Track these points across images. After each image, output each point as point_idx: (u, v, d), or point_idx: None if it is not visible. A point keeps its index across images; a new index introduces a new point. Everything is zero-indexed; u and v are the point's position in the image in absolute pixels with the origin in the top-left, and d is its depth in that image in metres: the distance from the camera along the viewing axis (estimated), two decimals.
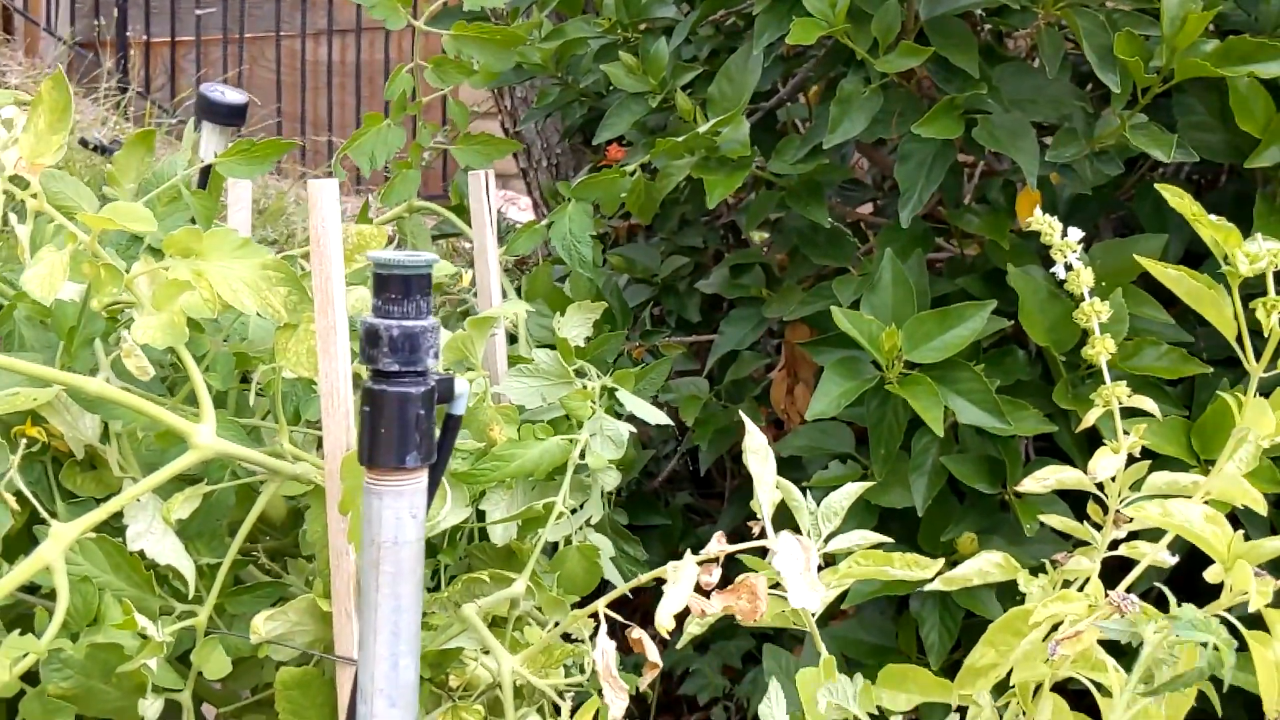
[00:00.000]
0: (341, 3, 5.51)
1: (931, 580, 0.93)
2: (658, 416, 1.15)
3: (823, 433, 1.48)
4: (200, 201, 1.15)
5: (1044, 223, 0.94)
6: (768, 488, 0.84)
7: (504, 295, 1.32)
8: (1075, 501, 1.37)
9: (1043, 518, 0.94)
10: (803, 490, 1.54)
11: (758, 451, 0.85)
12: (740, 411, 1.68)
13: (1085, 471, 0.91)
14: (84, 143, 3.46)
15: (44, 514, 0.85)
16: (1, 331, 1.05)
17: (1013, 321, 1.33)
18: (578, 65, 1.77)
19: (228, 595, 0.94)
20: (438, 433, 0.62)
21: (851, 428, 1.51)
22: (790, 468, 1.66)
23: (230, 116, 2.06)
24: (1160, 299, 1.36)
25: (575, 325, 1.22)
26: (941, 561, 0.92)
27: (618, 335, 1.38)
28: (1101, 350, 0.91)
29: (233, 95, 2.04)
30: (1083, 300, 0.93)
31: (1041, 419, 1.32)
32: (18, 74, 3.95)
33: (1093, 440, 1.40)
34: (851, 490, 0.89)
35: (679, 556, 2.19)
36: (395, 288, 0.57)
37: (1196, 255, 1.49)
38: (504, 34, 1.32)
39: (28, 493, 0.79)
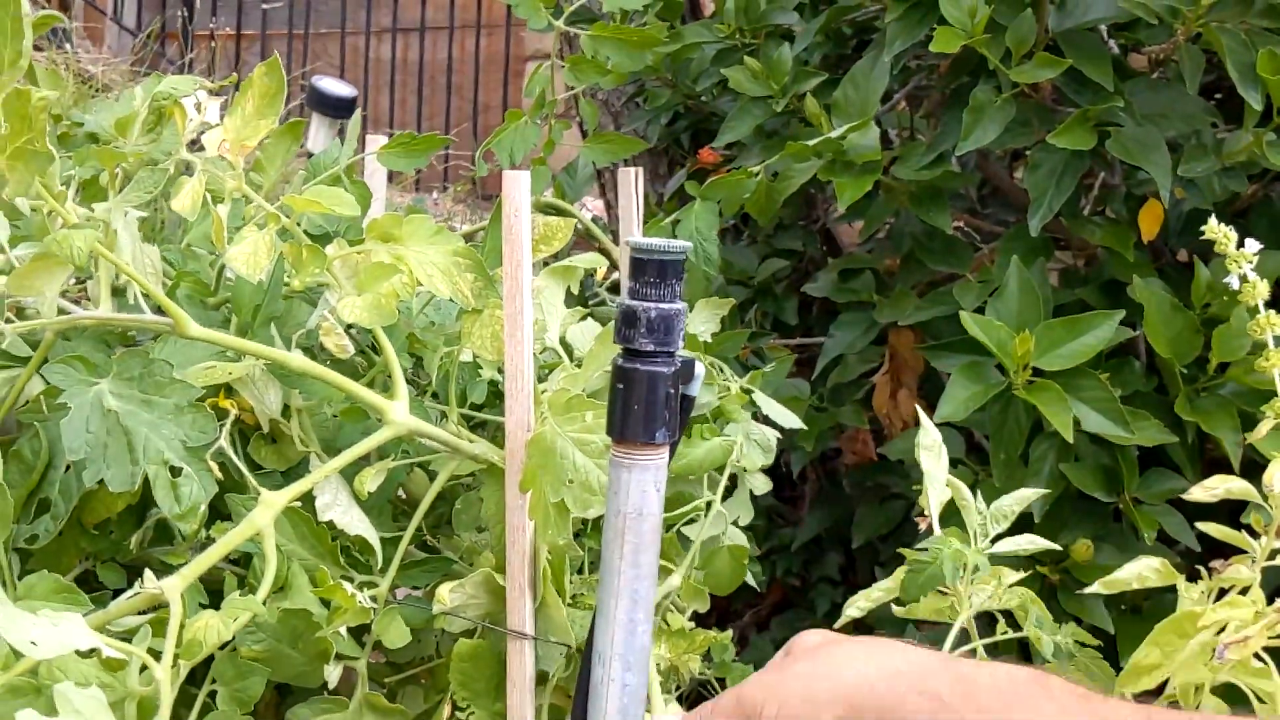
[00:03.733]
0: (406, 1, 5.56)
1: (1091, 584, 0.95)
2: (792, 420, 1.17)
3: None
4: (357, 188, 1.18)
5: (1219, 233, 0.95)
6: (938, 486, 0.86)
7: None
8: (1191, 514, 1.38)
9: (1202, 526, 0.95)
10: (902, 505, 1.57)
11: (931, 448, 0.87)
12: (841, 415, 1.71)
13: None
14: None
15: (238, 484, 0.88)
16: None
17: (1137, 332, 1.35)
18: (687, 69, 1.79)
19: (402, 568, 0.97)
20: None
21: (960, 432, 1.53)
22: (896, 472, 1.69)
23: (339, 109, 2.10)
24: None
25: (703, 321, 1.25)
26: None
27: (741, 334, 1.41)
28: (1276, 363, 0.92)
29: (342, 88, 2.08)
30: (1256, 312, 0.94)
31: (1162, 429, 1.33)
32: (99, 63, 4.01)
33: (1201, 448, 1.42)
34: (1024, 495, 0.91)
35: (761, 558, 2.20)
36: (653, 271, 0.60)
37: None
38: (640, 35, 1.35)
39: (235, 460, 0.82)
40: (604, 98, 2.51)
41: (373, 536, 0.88)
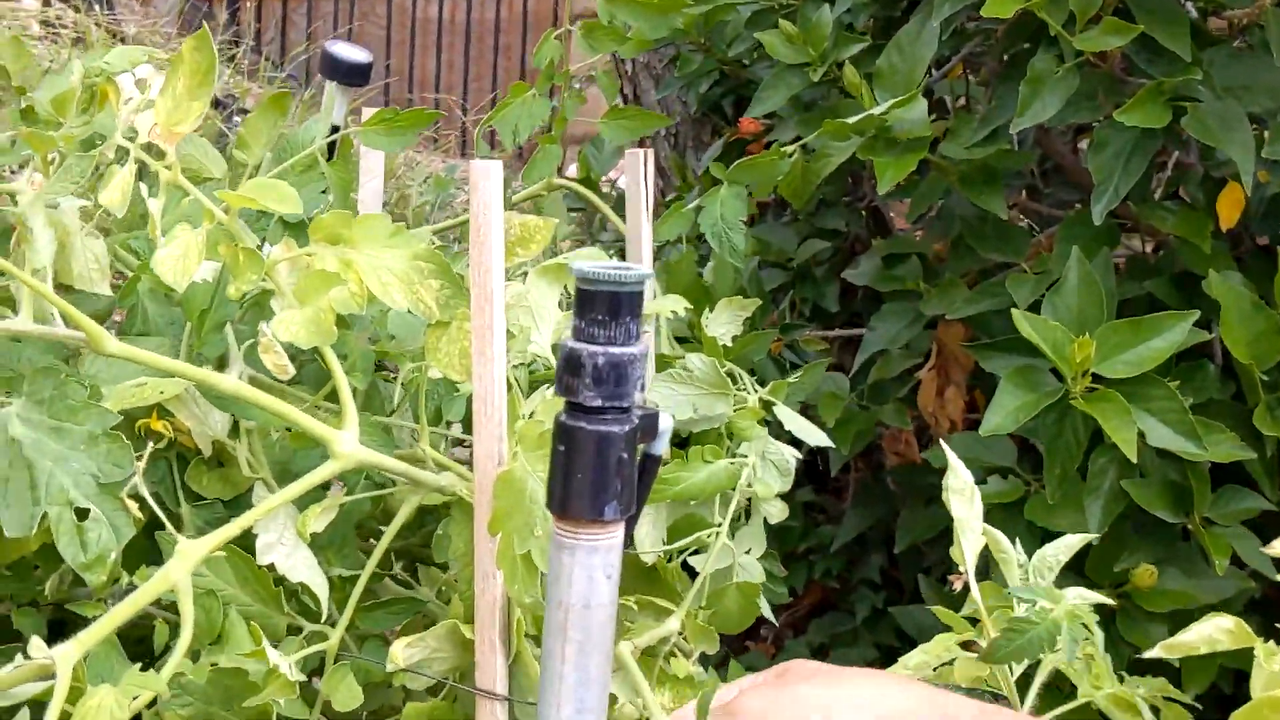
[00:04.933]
0: None
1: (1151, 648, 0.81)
2: (818, 437, 1.04)
3: (981, 443, 1.35)
4: (337, 172, 1.07)
5: None
6: (974, 535, 0.73)
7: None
8: (1271, 537, 1.24)
9: None
10: (938, 514, 1.44)
11: (962, 492, 0.74)
12: (883, 414, 1.58)
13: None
14: None
15: (168, 522, 0.77)
16: (124, 305, 0.98)
17: (1210, 335, 1.20)
18: (722, 32, 1.65)
19: (361, 610, 0.86)
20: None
21: (1013, 438, 1.39)
22: (933, 483, 1.55)
23: (353, 75, 1.97)
24: None
25: (724, 323, 1.12)
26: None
27: (767, 335, 1.28)
28: None
29: (357, 53, 1.96)
30: None
31: (1238, 443, 1.19)
32: (134, 24, 3.93)
33: None
34: (1071, 543, 0.77)
35: (798, 557, 2.07)
36: (601, 307, 0.48)
37: None
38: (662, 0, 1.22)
39: (150, 500, 0.71)
40: (645, 60, 2.37)
41: (319, 582, 0.77)
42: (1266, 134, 1.15)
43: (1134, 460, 1.10)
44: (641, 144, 2.59)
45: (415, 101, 5.40)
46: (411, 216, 3.11)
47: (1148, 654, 0.81)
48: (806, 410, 1.70)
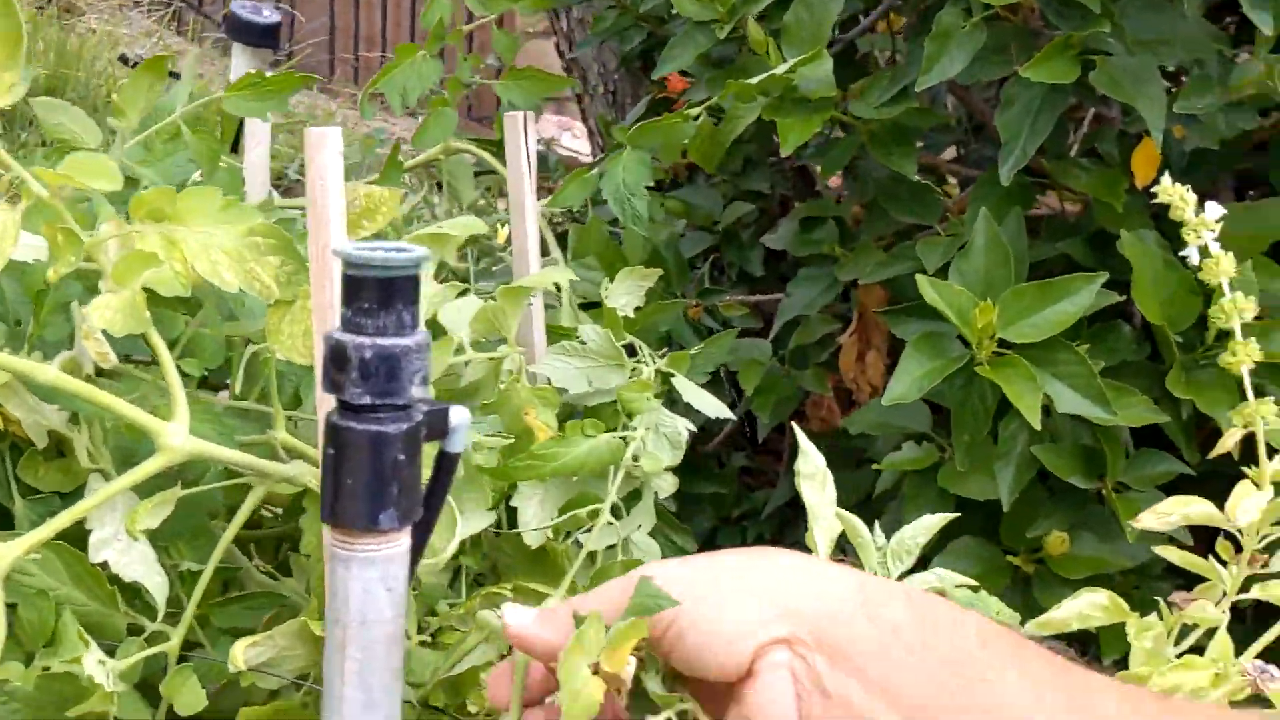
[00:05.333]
0: None
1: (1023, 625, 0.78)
2: (718, 409, 1.00)
3: (897, 409, 1.32)
4: (203, 142, 1.01)
5: (1175, 194, 0.77)
6: (826, 522, 0.70)
7: (545, 253, 1.18)
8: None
9: (1161, 550, 0.78)
10: (872, 473, 1.41)
11: (813, 477, 0.71)
12: (803, 380, 1.54)
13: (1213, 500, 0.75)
14: (124, 59, 3.34)
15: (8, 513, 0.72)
16: None
17: (1124, 296, 1.17)
18: None
19: (213, 606, 0.82)
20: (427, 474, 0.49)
21: (929, 404, 1.35)
22: (859, 447, 1.52)
23: (263, 37, 1.91)
24: None
25: (625, 293, 1.08)
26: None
27: (673, 305, 1.24)
28: (1245, 359, 0.75)
29: (266, 14, 1.89)
30: (1221, 295, 0.76)
31: (1150, 407, 1.16)
32: None
33: (1201, 424, 1.24)
34: (930, 524, 0.74)
35: (731, 523, 2.05)
36: (370, 294, 0.43)
37: None
38: None
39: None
40: (580, 15, 2.31)
41: (157, 581, 0.73)
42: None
43: (1038, 428, 1.07)
44: (579, 99, 2.54)
45: (361, 61, 5.31)
46: None
47: (1026, 628, 0.79)
48: (731, 377, 1.67)
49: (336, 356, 0.43)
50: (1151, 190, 0.85)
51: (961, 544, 1.27)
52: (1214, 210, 0.76)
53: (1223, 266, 0.74)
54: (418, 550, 0.48)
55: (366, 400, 0.43)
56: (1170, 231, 1.24)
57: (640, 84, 2.25)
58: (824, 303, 1.43)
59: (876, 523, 0.73)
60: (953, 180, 1.60)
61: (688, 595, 0.47)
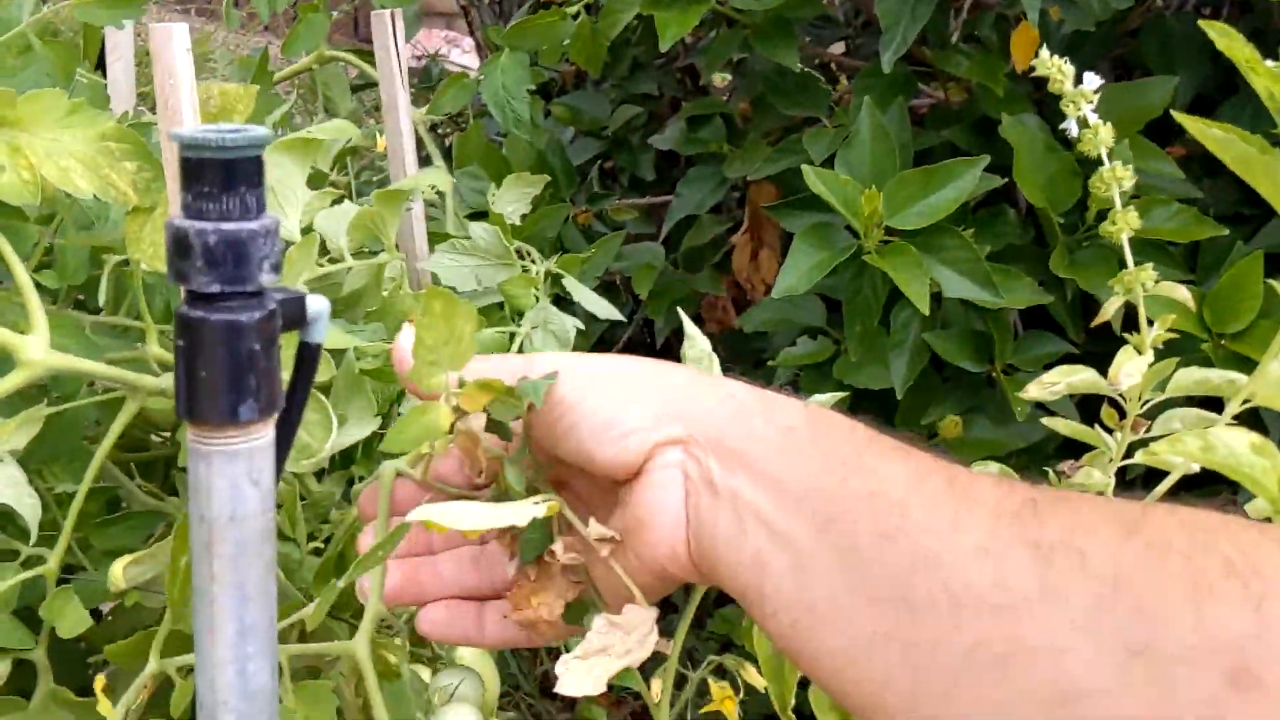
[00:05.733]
0: None
1: None
2: (607, 310, 0.99)
3: (791, 305, 1.33)
4: (54, 51, 0.96)
5: (1053, 66, 0.78)
6: None
7: (428, 163, 1.16)
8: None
9: (1049, 422, 0.80)
10: (770, 370, 1.42)
11: (699, 360, 0.70)
12: (697, 282, 1.54)
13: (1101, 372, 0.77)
14: None
15: None
16: None
17: (1005, 179, 1.18)
18: None
19: (93, 529, 0.80)
20: (288, 371, 0.47)
21: (822, 299, 1.36)
22: (758, 348, 1.53)
23: None
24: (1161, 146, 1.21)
25: (512, 200, 1.06)
26: None
27: (560, 209, 1.22)
28: (1124, 227, 0.76)
29: None
30: (1100, 164, 0.77)
31: (1036, 289, 1.18)
32: None
33: (1086, 305, 1.27)
34: (824, 400, 0.74)
35: None
36: (210, 177, 0.41)
37: (1206, 101, 1.34)
38: None
39: None
40: None
41: (28, 503, 0.70)
42: None
43: (926, 313, 1.08)
44: (465, 11, 2.47)
45: None
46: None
47: None
48: (626, 282, 1.66)
49: (179, 244, 0.41)
50: (1032, 73, 0.86)
51: None
52: (1092, 81, 0.76)
53: (1101, 136, 0.75)
54: (284, 445, 0.46)
55: (215, 289, 0.41)
56: (1051, 117, 1.26)
57: None
58: (714, 201, 1.43)
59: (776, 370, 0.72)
60: (843, 79, 1.59)
61: (588, 389, 0.47)
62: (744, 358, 1.62)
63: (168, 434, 0.94)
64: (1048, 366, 1.24)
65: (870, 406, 1.28)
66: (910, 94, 1.25)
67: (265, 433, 0.44)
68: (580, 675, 0.45)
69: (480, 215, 1.21)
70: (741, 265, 1.49)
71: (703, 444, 0.45)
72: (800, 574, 0.42)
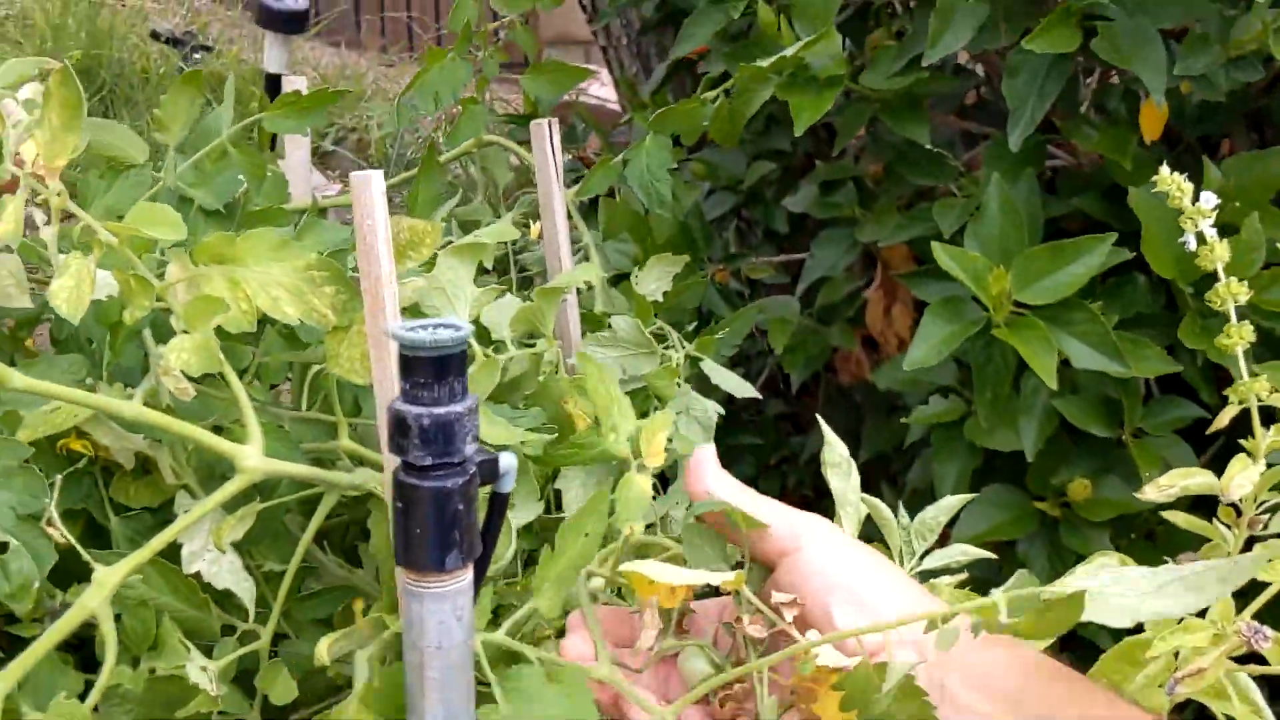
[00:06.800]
0: None
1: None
2: (744, 389, 1.06)
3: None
4: (248, 159, 1.08)
5: (1171, 183, 0.82)
6: (853, 508, 0.76)
7: (576, 241, 1.24)
8: (1206, 443, 1.27)
9: (1167, 515, 0.84)
10: (902, 425, 1.46)
11: (838, 466, 0.77)
12: (830, 336, 1.60)
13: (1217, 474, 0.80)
14: (155, 35, 3.37)
15: (85, 551, 0.80)
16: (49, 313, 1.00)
17: (1135, 253, 1.21)
18: None
19: (295, 602, 0.90)
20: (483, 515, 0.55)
21: (955, 359, 1.41)
22: (893, 392, 1.58)
23: (291, 24, 1.96)
24: None
25: (655, 280, 1.14)
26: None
27: (700, 283, 1.29)
28: (1240, 341, 0.79)
29: (291, 1, 1.94)
30: (1215, 279, 0.81)
31: (1164, 358, 1.21)
32: None
33: (1218, 371, 1.29)
34: (949, 505, 0.80)
35: (771, 469, 2.11)
36: (424, 371, 0.50)
37: None
38: None
39: (60, 527, 0.74)
40: None
41: (244, 588, 0.81)
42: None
43: (1054, 387, 1.12)
44: (605, 51, 2.57)
45: (385, 20, 5.33)
46: (374, 148, 3.10)
47: (1045, 591, 0.85)
48: (761, 333, 1.73)
49: (399, 425, 0.50)
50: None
51: (990, 492, 1.33)
52: (1208, 199, 0.80)
53: (1217, 253, 0.79)
54: (479, 578, 0.55)
55: (428, 461, 0.50)
56: (1191, 177, 1.28)
57: (665, 35, 2.28)
58: (846, 263, 1.48)
59: (900, 505, 0.78)
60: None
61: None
62: (877, 410, 1.67)
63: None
64: (1178, 431, 1.28)
65: (1002, 466, 1.33)
66: (1040, 165, 1.29)
67: (466, 575, 0.53)
68: None
69: (625, 276, 1.29)
70: (875, 319, 1.55)
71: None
72: None
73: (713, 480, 0.65)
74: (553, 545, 1.06)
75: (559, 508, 1.01)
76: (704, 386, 1.11)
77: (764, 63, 1.20)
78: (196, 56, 3.30)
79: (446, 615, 0.51)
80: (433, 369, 0.49)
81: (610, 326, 1.08)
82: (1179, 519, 0.84)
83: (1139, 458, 1.21)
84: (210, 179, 1.11)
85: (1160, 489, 0.79)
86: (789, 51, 1.19)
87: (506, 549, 0.76)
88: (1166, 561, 0.85)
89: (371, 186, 0.77)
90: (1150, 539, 1.36)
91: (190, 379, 0.82)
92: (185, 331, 0.76)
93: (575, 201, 1.27)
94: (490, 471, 0.53)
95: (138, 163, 1.07)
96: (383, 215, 0.77)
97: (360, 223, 0.77)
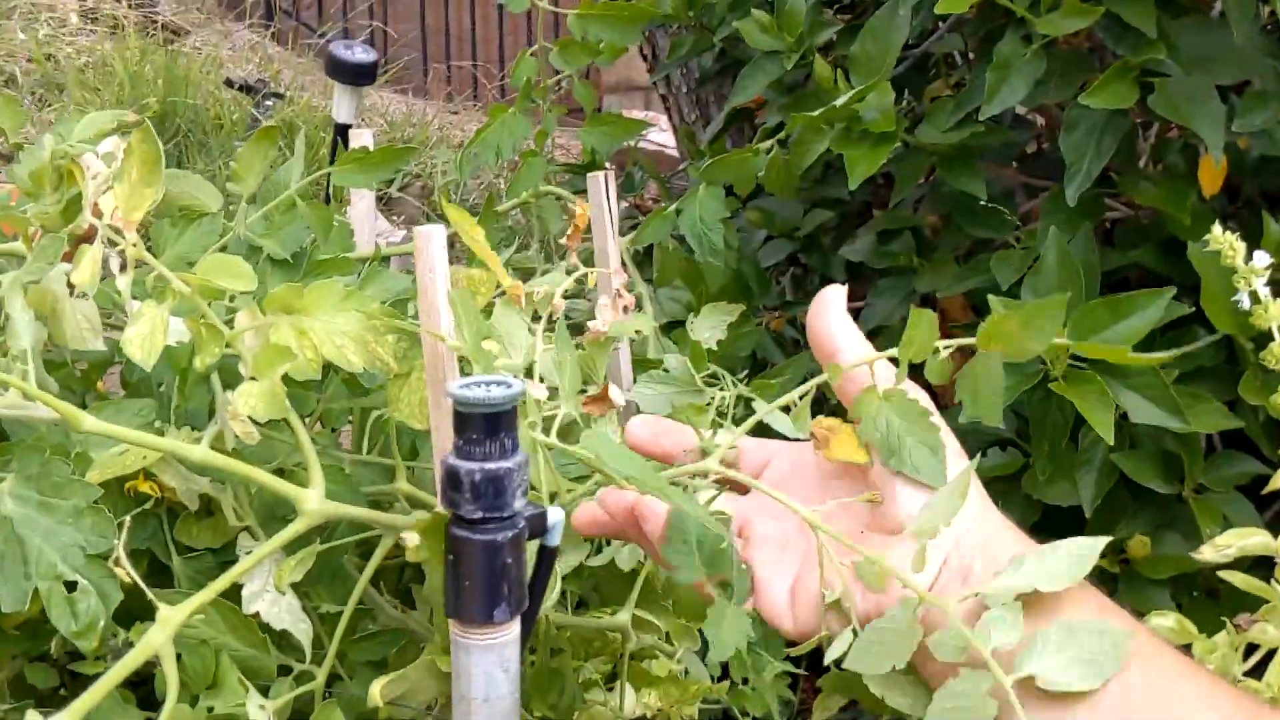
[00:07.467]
0: None
1: None
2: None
3: None
4: (316, 213, 1.11)
5: (1224, 242, 0.82)
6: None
7: (630, 288, 1.26)
8: (1266, 501, 1.25)
9: (1225, 575, 0.83)
10: None
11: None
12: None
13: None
14: (229, 83, 3.46)
15: (149, 591, 0.83)
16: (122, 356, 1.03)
17: (1194, 306, 1.20)
18: (712, 12, 1.66)
19: (350, 644, 0.92)
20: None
21: (1013, 410, 1.40)
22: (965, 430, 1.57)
23: (359, 76, 2.01)
24: None
25: (709, 327, 1.15)
26: None
27: (753, 331, 1.30)
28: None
29: (360, 53, 1.99)
30: (1271, 338, 0.80)
31: (1224, 413, 1.19)
32: (170, 7, 3.98)
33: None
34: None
35: None
36: (476, 428, 0.51)
37: None
38: (630, 11, 1.23)
39: (126, 566, 0.77)
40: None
41: (302, 629, 0.83)
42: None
43: (1111, 442, 1.12)
44: (664, 100, 2.60)
45: (451, 68, 5.42)
46: (439, 194, 3.15)
47: None
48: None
49: (452, 479, 0.51)
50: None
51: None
52: (1261, 259, 0.80)
53: (1272, 312, 0.79)
54: (527, 630, 0.56)
55: (478, 515, 0.51)
56: (1241, 237, 1.27)
57: (723, 84, 2.30)
58: (904, 312, 1.48)
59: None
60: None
61: None
62: None
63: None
64: (1239, 488, 1.26)
65: (1060, 521, 1.31)
66: (1097, 217, 1.29)
67: (514, 628, 0.54)
68: None
69: (679, 324, 1.30)
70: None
71: None
72: None
73: (835, 319, 0.70)
74: (598, 589, 1.07)
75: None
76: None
77: (816, 113, 1.22)
78: (269, 104, 3.39)
79: (493, 667, 0.53)
80: (485, 425, 0.51)
81: (664, 367, 1.09)
82: (1237, 579, 0.83)
83: (1200, 514, 1.20)
84: (279, 229, 1.14)
85: (1217, 549, 0.78)
86: (839, 101, 1.21)
87: (553, 590, 0.77)
88: (1225, 622, 0.85)
89: (433, 241, 0.79)
90: (1213, 596, 1.34)
91: (255, 423, 0.84)
92: (253, 378, 0.79)
93: (629, 249, 1.29)
94: (539, 525, 0.54)
95: (210, 211, 1.11)
96: (443, 269, 0.79)
97: (422, 275, 0.79)
